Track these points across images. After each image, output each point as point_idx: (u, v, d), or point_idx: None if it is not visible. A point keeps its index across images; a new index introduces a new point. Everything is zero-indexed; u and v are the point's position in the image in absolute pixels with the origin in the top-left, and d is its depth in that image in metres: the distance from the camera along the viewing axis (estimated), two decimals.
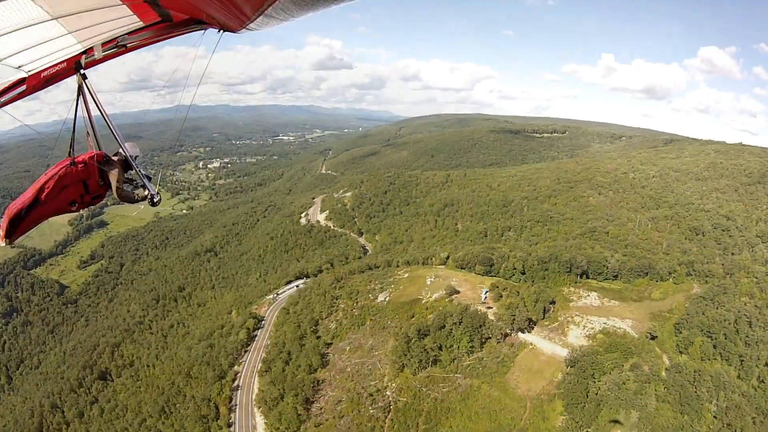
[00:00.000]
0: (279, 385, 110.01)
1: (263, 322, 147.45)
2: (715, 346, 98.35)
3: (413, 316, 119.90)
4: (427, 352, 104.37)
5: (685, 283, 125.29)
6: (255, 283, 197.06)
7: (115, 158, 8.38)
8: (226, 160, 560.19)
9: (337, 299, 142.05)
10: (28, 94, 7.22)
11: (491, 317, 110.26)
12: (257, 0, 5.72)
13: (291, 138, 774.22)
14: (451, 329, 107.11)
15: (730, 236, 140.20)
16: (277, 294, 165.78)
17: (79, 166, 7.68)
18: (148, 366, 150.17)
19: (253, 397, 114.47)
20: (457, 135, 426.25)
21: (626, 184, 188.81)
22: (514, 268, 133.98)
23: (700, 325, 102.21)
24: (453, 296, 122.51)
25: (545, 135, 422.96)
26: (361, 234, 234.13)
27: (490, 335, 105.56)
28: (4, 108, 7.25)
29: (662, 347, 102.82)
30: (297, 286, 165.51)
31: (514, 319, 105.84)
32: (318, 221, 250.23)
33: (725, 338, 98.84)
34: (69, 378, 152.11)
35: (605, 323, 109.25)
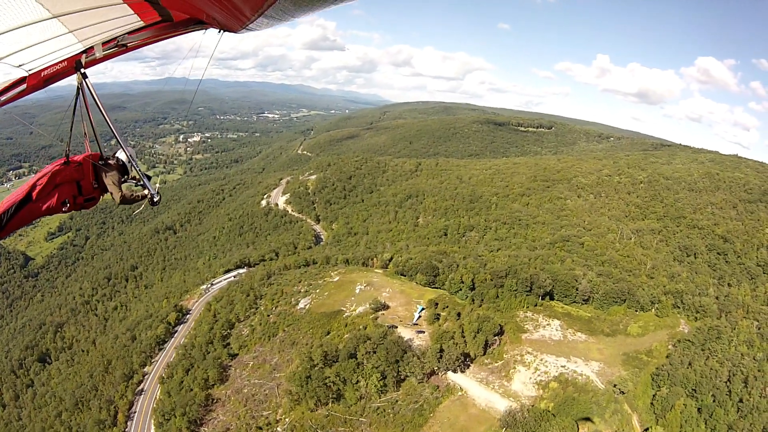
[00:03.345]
0: (174, 397, 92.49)
1: (188, 316, 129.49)
2: (699, 410, 74.59)
3: (328, 333, 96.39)
4: (329, 386, 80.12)
5: (670, 317, 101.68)
6: (201, 267, 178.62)
7: (111, 161, 7.84)
8: (207, 134, 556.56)
9: (259, 299, 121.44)
10: (28, 93, 6.90)
11: (416, 346, 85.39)
12: (257, 1, 5.60)
13: (276, 116, 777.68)
14: (363, 360, 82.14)
15: (727, 262, 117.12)
16: (212, 284, 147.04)
17: (73, 165, 7.27)
18: (83, 351, 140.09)
19: (153, 405, 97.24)
20: (440, 123, 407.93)
21: (610, 188, 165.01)
22: (462, 282, 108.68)
23: (685, 381, 78.12)
24: (379, 312, 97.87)
25: (530, 129, 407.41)
26: (318, 221, 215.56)
27: (409, 373, 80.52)
28: (5, 107, 6.96)
29: (633, 404, 79.09)
30: (234, 277, 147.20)
31: (441, 355, 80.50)
32: (277, 204, 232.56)
33: (714, 401, 75.26)
34: (12, 358, 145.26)
35: (564, 367, 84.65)
